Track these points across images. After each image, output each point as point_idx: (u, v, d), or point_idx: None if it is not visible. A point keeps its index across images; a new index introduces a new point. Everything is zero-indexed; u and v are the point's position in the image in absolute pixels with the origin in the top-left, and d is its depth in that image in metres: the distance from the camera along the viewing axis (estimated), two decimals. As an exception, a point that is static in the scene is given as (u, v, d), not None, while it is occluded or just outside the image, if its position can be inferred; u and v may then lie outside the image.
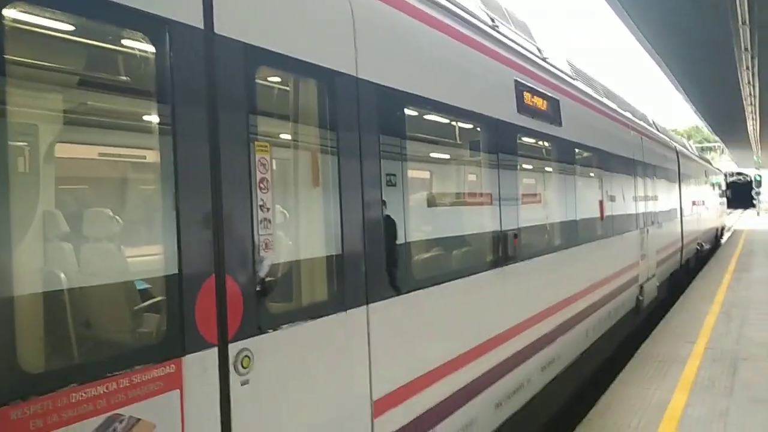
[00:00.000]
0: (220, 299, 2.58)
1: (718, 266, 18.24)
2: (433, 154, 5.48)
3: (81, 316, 2.56)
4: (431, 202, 4.98)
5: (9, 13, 2.04)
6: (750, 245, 24.92)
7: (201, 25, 2.60)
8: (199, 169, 2.55)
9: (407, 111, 4.23)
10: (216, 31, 2.66)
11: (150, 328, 2.57)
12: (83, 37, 2.67)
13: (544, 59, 7.77)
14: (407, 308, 3.91)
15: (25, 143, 3.16)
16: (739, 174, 51.61)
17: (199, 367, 2.47)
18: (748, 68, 12.25)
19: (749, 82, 13.90)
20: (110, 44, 2.70)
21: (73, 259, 2.95)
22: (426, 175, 5.41)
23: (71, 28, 2.43)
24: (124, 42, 2.61)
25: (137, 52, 2.59)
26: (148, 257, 2.79)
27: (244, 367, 2.65)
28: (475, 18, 5.81)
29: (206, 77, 2.62)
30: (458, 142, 5.56)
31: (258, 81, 2.99)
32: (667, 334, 9.54)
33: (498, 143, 5.48)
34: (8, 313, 1.95)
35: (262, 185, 2.84)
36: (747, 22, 9.08)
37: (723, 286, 14.10)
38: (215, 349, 2.54)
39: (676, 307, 11.79)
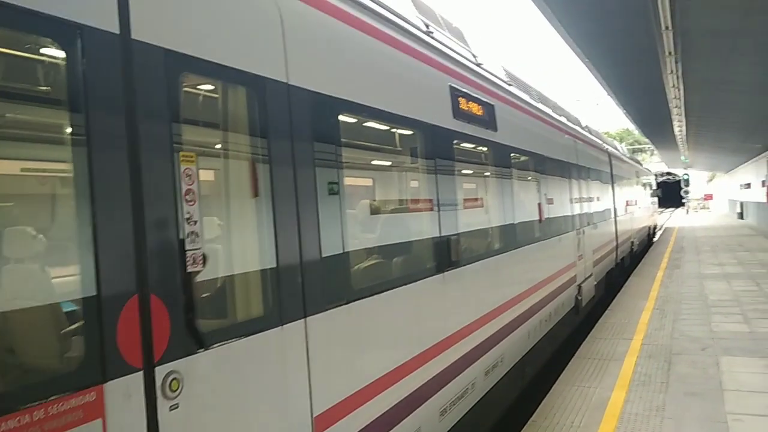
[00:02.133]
0: (144, 320, 2.43)
1: (652, 263, 18.91)
2: (369, 161, 5.41)
3: None
4: (369, 210, 4.90)
5: None
6: (680, 242, 25.98)
7: (117, 30, 2.45)
8: (117, 183, 2.39)
9: (342, 118, 4.14)
10: (133, 36, 2.51)
11: (68, 354, 2.39)
12: None
13: (479, 65, 7.80)
14: (347, 319, 3.81)
15: None
16: (668, 174, 53.89)
17: (123, 393, 2.32)
18: (672, 72, 12.71)
19: (674, 86, 14.44)
20: (18, 51, 2.50)
21: None
22: (363, 182, 5.34)
23: None
24: (34, 49, 2.46)
25: (48, 60, 2.43)
26: (65, 278, 2.59)
27: (172, 391, 2.51)
28: (410, 24, 5.77)
29: (123, 85, 2.46)
30: (395, 148, 5.49)
31: (181, 88, 2.85)
32: (605, 332, 9.76)
33: (435, 149, 5.45)
34: None
35: (188, 197, 2.70)
36: (670, 27, 9.42)
37: (656, 283, 14.59)
38: (140, 374, 2.39)
39: (612, 306, 12.10)
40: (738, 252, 20.39)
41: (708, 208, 63.21)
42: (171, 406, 2.51)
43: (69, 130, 2.38)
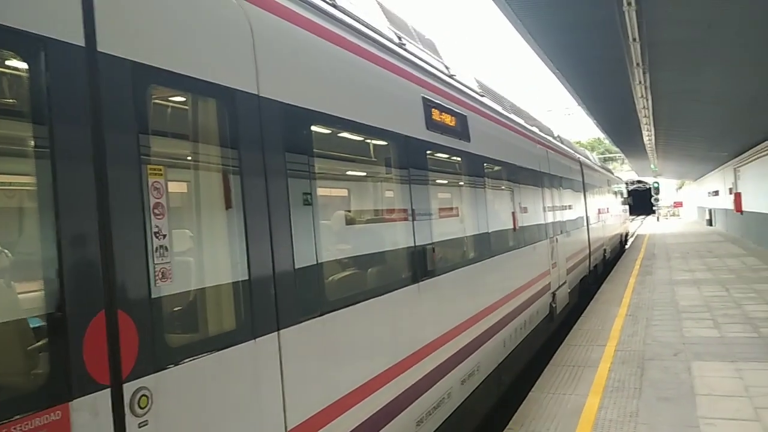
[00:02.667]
0: (112, 336, 2.39)
1: (624, 270, 19.18)
2: (344, 172, 5.40)
3: None
4: (344, 221, 4.88)
5: None
6: (652, 249, 26.40)
7: (82, 43, 2.43)
8: (82, 197, 2.37)
9: (315, 129, 4.15)
10: (99, 48, 2.49)
11: (33, 371, 2.32)
12: None
13: (451, 76, 7.91)
14: (321, 331, 3.79)
15: None
16: (639, 182, 54.75)
17: (90, 411, 2.27)
18: (640, 82, 12.96)
19: (642, 96, 14.71)
20: None
21: None
22: (337, 193, 5.30)
23: None
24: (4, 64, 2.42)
25: (11, 72, 2.40)
26: (29, 294, 2.49)
27: (141, 408, 2.47)
28: (383, 36, 5.84)
29: (89, 97, 2.43)
30: (369, 159, 5.50)
31: (149, 101, 2.83)
32: (579, 339, 9.86)
33: (408, 159, 5.49)
34: None
35: (156, 211, 2.68)
36: (637, 39, 9.62)
37: (629, 289, 14.80)
38: (107, 391, 2.35)
39: (586, 312, 12.23)
40: (707, 258, 20.79)
41: (678, 216, 64.38)
42: (140, 423, 2.47)
43: (32, 142, 2.34)
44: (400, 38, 6.49)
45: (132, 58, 2.63)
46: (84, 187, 2.38)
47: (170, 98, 3.14)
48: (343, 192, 5.40)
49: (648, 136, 23.36)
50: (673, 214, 65.75)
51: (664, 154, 33.29)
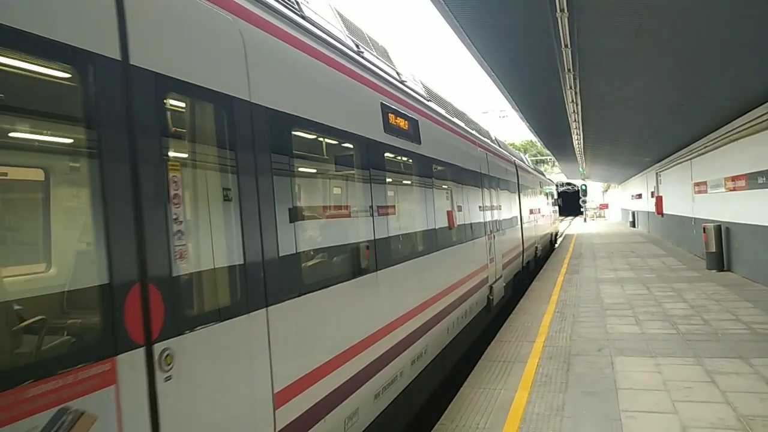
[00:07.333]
0: (145, 305, 2.88)
1: (553, 269, 19.79)
2: (319, 171, 5.69)
3: (33, 321, 2.73)
4: (320, 215, 5.22)
5: None
6: (579, 249, 27.36)
7: (119, 57, 2.85)
8: (122, 189, 2.82)
9: (298, 133, 4.69)
10: (132, 62, 2.94)
11: (89, 331, 2.79)
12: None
13: (402, 82, 8.36)
14: (298, 310, 4.30)
15: None
16: (568, 184, 56.57)
17: (130, 365, 2.77)
18: (571, 88, 13.34)
19: (573, 101, 15.16)
20: (46, 77, 2.77)
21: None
22: (314, 189, 5.59)
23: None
24: (56, 74, 2.75)
25: (69, 84, 2.79)
26: (88, 268, 2.92)
27: (167, 364, 2.98)
28: (345, 46, 6.23)
29: (124, 104, 2.88)
30: (341, 159, 5.90)
31: (168, 106, 3.27)
32: (510, 335, 10.10)
33: (370, 160, 6.08)
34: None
35: (175, 201, 3.14)
36: (569, 45, 9.91)
37: (557, 287, 15.28)
38: (142, 349, 2.85)
39: (517, 309, 12.55)
40: (630, 258, 21.72)
41: (604, 217, 66.99)
42: (166, 378, 2.96)
43: (86, 144, 2.76)
44: (357, 46, 6.86)
45: (157, 70, 3.10)
46: (125, 183, 2.84)
47: (183, 104, 3.52)
48: (322, 188, 5.72)
49: (577, 140, 24.15)
50: (600, 216, 68.36)
51: (592, 158, 34.50)
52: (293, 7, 5.26)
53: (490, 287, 12.10)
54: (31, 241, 3.18)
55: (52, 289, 2.88)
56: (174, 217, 3.11)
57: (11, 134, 2.73)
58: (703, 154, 18.40)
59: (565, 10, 8.22)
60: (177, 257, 3.11)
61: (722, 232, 16.53)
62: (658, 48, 10.34)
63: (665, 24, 8.96)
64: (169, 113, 3.25)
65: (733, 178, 15.34)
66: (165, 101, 3.19)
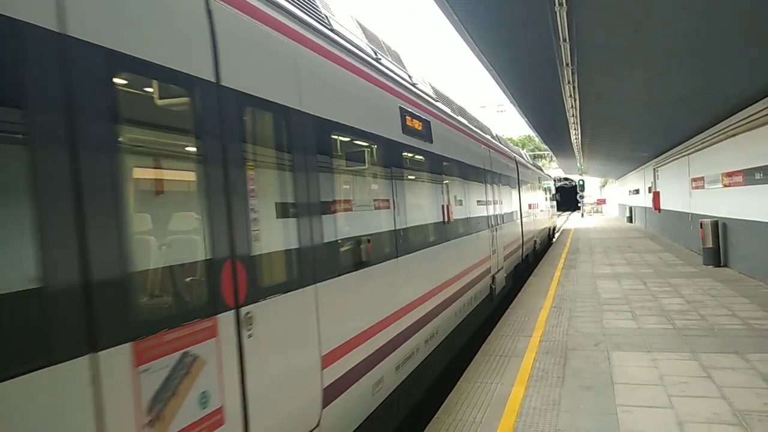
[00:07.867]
0: (234, 277, 3.55)
1: (550, 263, 19.81)
2: (353, 169, 6.03)
3: (167, 285, 3.33)
4: (352, 208, 5.66)
5: None
6: (576, 244, 27.39)
7: (214, 79, 3.57)
8: (221, 186, 3.51)
9: (333, 135, 5.24)
10: (222, 83, 3.64)
11: (202, 295, 3.38)
12: None
13: (414, 85, 8.79)
14: (338, 287, 4.97)
15: None
16: (566, 179, 56.68)
17: (226, 323, 3.44)
18: (569, 82, 13.29)
19: (571, 95, 15.11)
20: (170, 100, 3.43)
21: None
22: (349, 186, 5.92)
23: None
24: (176, 98, 3.40)
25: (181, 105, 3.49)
26: (198, 247, 3.51)
27: (249, 325, 3.64)
28: (364, 53, 6.70)
29: (219, 116, 3.60)
30: (369, 159, 6.34)
31: (246, 117, 3.93)
32: (507, 329, 10.12)
33: (392, 159, 6.73)
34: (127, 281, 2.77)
35: (252, 194, 3.82)
36: (567, 39, 9.88)
37: (554, 282, 15.30)
38: (233, 311, 3.52)
39: (514, 304, 12.58)
40: (627, 253, 21.76)
41: (601, 212, 67.11)
42: (249, 335, 3.63)
43: (193, 151, 3.43)
44: (375, 53, 7.34)
45: (238, 89, 3.75)
46: (221, 181, 3.51)
47: (254, 115, 4.11)
48: (351, 186, 6.08)
49: (575, 135, 24.11)
50: (597, 211, 68.49)
51: (589, 153, 34.49)
52: (324, 21, 5.82)
53: (493, 277, 12.66)
54: (190, 229, 3.85)
55: (187, 259, 3.49)
56: (251, 207, 3.80)
57: (168, 146, 3.47)
58: (700, 149, 18.40)
59: (564, 4, 8.19)
60: (254, 240, 3.79)
61: (719, 228, 16.56)
62: (657, 43, 10.32)
63: (664, 19, 8.94)
64: (246, 123, 3.88)
65: (730, 174, 15.35)
66: (244, 114, 3.83)
